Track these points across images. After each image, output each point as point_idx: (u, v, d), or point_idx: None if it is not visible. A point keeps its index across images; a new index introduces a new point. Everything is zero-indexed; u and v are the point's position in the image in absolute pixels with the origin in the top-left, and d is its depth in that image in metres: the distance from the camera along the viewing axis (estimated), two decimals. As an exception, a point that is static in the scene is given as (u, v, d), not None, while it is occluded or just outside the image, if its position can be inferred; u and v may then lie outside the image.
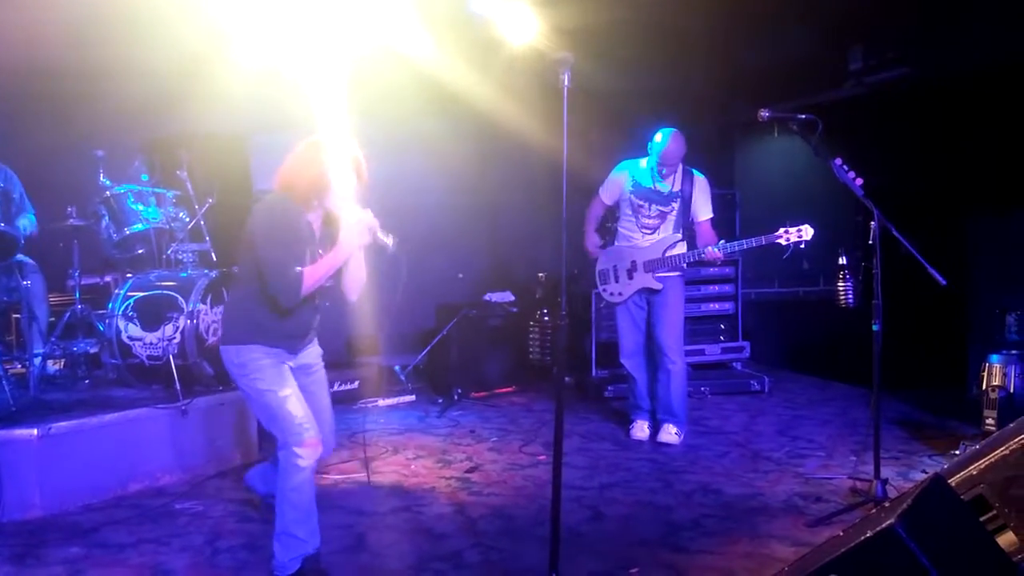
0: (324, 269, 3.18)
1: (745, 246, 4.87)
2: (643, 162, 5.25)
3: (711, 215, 5.22)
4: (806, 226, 4.73)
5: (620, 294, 5.28)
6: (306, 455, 3.17)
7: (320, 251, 3.28)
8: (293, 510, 3.21)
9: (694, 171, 5.22)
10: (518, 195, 7.91)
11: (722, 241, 4.95)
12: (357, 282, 3.43)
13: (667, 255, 5.12)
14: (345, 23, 6.10)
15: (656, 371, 5.28)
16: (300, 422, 3.18)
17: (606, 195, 5.35)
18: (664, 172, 5.13)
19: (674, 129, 5.11)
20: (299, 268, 3.11)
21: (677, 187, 5.17)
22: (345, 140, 3.31)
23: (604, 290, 5.37)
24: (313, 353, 3.49)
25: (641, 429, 5.38)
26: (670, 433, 5.20)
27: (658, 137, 5.10)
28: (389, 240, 3.34)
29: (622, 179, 5.26)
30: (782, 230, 4.74)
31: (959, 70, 6.03)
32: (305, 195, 3.21)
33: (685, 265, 5.17)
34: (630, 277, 5.22)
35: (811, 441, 5.25)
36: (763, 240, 4.80)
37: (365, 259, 3.43)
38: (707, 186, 5.25)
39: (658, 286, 5.15)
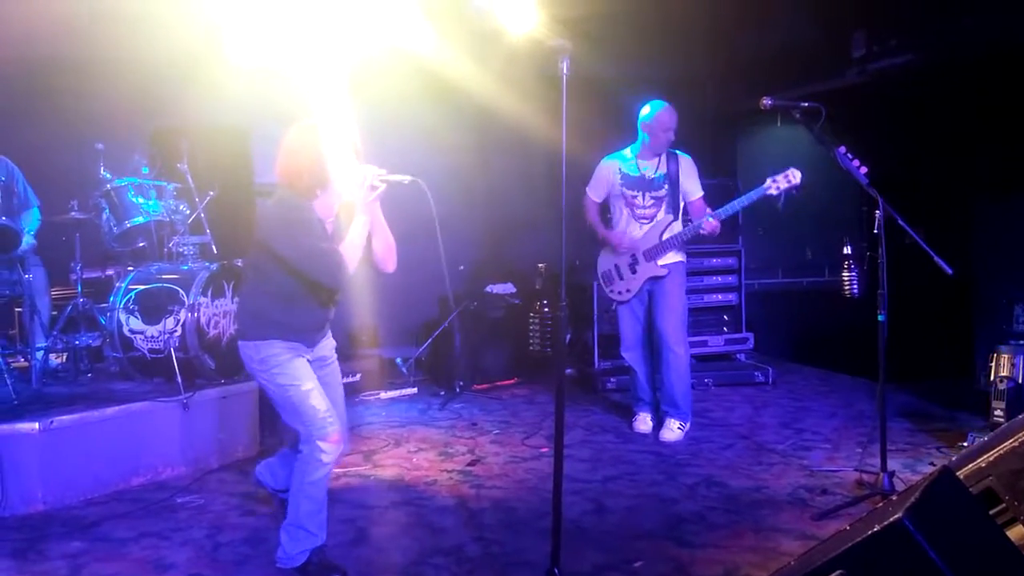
0: (356, 240, 3.14)
1: (737, 206, 4.80)
2: (627, 151, 5.18)
3: (702, 192, 5.14)
4: (792, 170, 4.67)
5: (628, 291, 5.18)
6: (330, 449, 3.18)
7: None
8: (309, 503, 3.22)
9: (677, 151, 5.15)
10: (518, 186, 7.87)
11: (709, 210, 4.91)
12: (389, 250, 3.41)
13: (664, 239, 5.05)
14: (346, 15, 6.06)
15: (658, 362, 5.21)
16: (324, 416, 3.17)
17: (595, 192, 5.25)
18: (653, 148, 5.04)
19: (664, 102, 5.04)
20: (333, 250, 3.07)
21: (663, 169, 5.09)
22: (335, 121, 3.28)
23: (611, 291, 5.26)
24: (328, 346, 3.49)
25: (644, 422, 5.33)
26: (672, 430, 5.13)
27: (646, 109, 5.03)
28: (403, 178, 3.28)
29: (609, 172, 5.17)
30: (769, 180, 4.70)
31: (963, 55, 5.97)
32: (308, 186, 3.17)
33: (683, 241, 5.06)
34: (633, 271, 5.14)
35: (816, 433, 5.22)
36: (753, 196, 4.74)
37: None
38: (692, 164, 5.17)
39: (663, 272, 5.07)
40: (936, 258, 3.91)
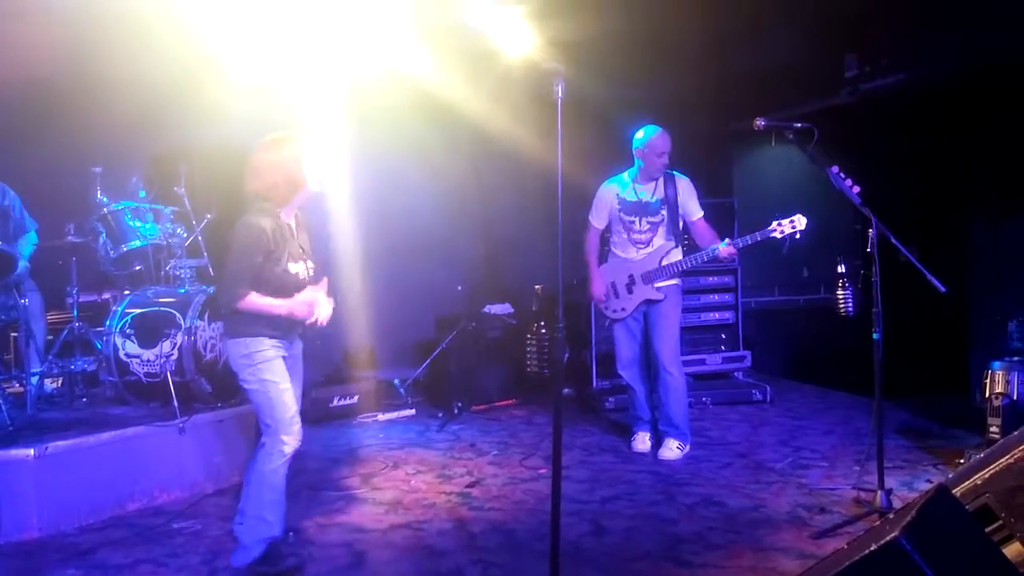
0: (267, 308, 3.41)
1: (750, 241, 4.84)
2: (625, 175, 5.23)
3: (702, 213, 5.18)
4: (798, 216, 4.72)
5: (623, 309, 5.21)
6: (291, 443, 3.46)
7: (301, 248, 3.57)
8: (270, 491, 3.46)
9: (675, 173, 5.18)
10: (515, 206, 7.90)
11: (727, 239, 4.92)
12: None
13: (663, 264, 5.09)
14: (342, 37, 6.11)
15: (655, 383, 5.24)
16: (292, 415, 3.48)
17: (598, 219, 5.29)
18: (648, 173, 5.09)
19: (658, 126, 5.09)
20: (246, 290, 3.35)
21: (661, 194, 5.14)
22: (303, 130, 3.59)
23: (605, 308, 5.30)
24: (298, 345, 3.72)
25: (643, 441, 5.33)
26: (671, 448, 5.14)
27: (639, 134, 5.08)
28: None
29: (609, 197, 5.23)
30: (775, 223, 4.74)
31: (955, 75, 6.02)
32: (285, 195, 3.47)
33: (689, 267, 5.11)
34: (630, 291, 5.17)
35: (814, 451, 5.21)
36: (758, 236, 4.79)
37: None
38: (691, 185, 5.21)
39: (659, 296, 5.10)
40: (929, 276, 3.93)
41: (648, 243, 5.15)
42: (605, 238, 5.42)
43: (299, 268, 3.53)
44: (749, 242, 4.84)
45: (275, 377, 3.44)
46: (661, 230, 5.15)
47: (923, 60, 6.17)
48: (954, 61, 5.91)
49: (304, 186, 3.48)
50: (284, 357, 3.53)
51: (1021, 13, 5.13)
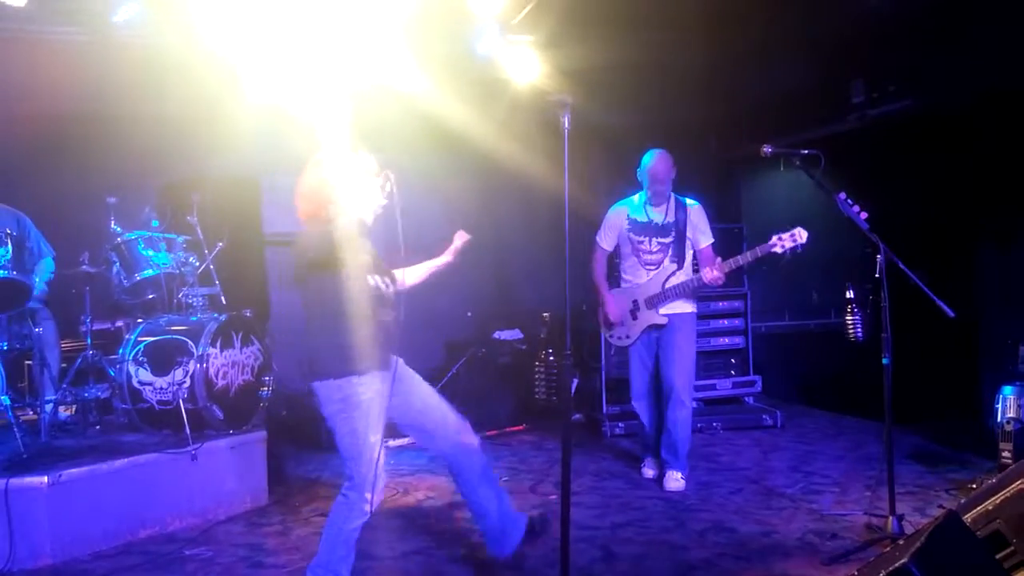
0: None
1: (741, 261, 4.73)
2: (635, 198, 5.18)
3: (711, 240, 5.11)
4: (799, 229, 4.61)
5: (628, 336, 5.15)
6: (373, 501, 3.29)
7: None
8: (344, 548, 3.32)
9: (685, 200, 5.13)
10: (523, 232, 7.94)
11: (718, 259, 4.84)
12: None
13: (666, 287, 5.00)
14: (352, 65, 6.19)
15: (664, 407, 5.13)
16: (374, 472, 3.24)
17: (606, 240, 5.23)
18: (655, 196, 5.03)
19: (660, 149, 5.04)
20: None
21: (671, 217, 5.07)
22: (350, 152, 3.55)
23: (611, 336, 5.25)
24: (400, 363, 3.51)
25: (652, 467, 5.32)
26: (677, 480, 5.05)
27: (644, 158, 5.04)
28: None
29: (618, 219, 5.17)
30: (774, 237, 4.64)
31: (961, 100, 6.04)
32: (330, 215, 3.30)
33: (687, 292, 4.98)
34: (634, 317, 5.10)
35: (825, 477, 5.19)
36: (758, 252, 4.68)
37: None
38: (702, 212, 5.14)
39: (663, 320, 5.01)
40: (937, 301, 3.94)
41: (658, 264, 5.07)
42: (613, 264, 5.36)
43: (379, 281, 3.46)
44: (741, 262, 4.73)
45: (366, 427, 3.25)
46: (671, 252, 5.07)
47: (930, 86, 6.19)
48: (961, 87, 5.93)
49: (341, 202, 3.36)
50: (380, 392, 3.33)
51: (1019, 41, 5.17)
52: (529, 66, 6.51)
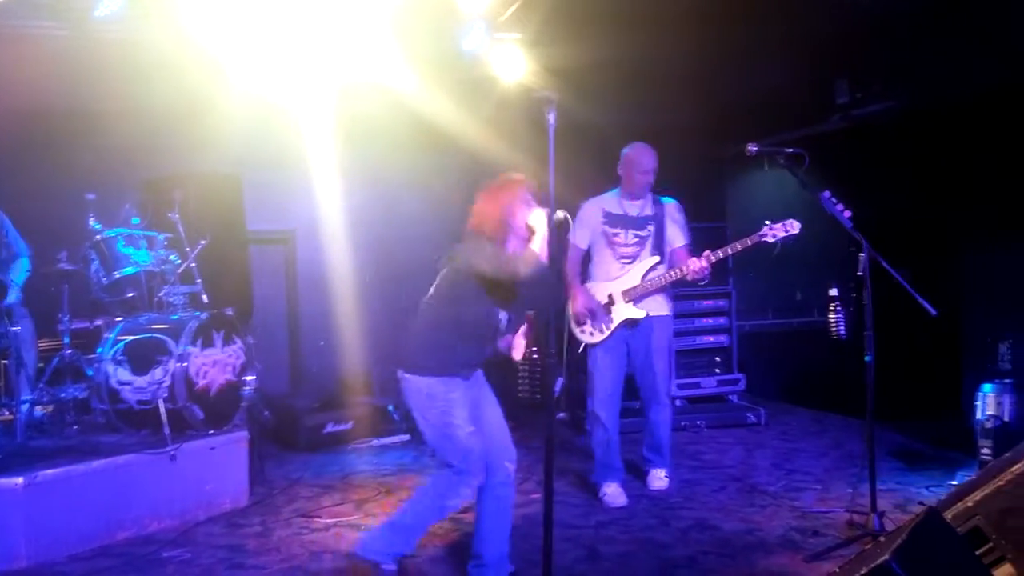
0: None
1: (731, 251, 4.60)
2: (609, 191, 4.98)
3: (685, 241, 4.91)
4: (792, 220, 4.51)
5: (600, 331, 4.83)
6: (473, 487, 3.39)
7: None
8: (432, 515, 3.47)
9: (663, 198, 4.96)
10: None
11: (706, 252, 4.63)
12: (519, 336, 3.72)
13: (647, 279, 4.78)
14: (338, 63, 6.16)
15: (647, 411, 4.98)
16: (479, 457, 3.38)
17: (581, 238, 4.92)
18: (637, 188, 4.83)
19: (643, 142, 4.89)
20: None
21: (649, 211, 4.89)
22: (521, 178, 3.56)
23: (581, 331, 4.86)
24: (481, 376, 3.70)
25: (619, 495, 4.80)
26: (662, 478, 4.99)
27: (624, 150, 4.89)
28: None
29: (592, 212, 4.91)
30: (765, 227, 4.52)
31: (944, 100, 6.07)
32: (493, 232, 3.45)
33: (667, 285, 4.79)
34: (608, 311, 4.81)
35: (808, 474, 5.20)
36: (748, 241, 4.55)
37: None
38: (679, 210, 4.97)
39: (640, 315, 4.76)
40: (920, 299, 3.96)
41: (634, 258, 4.85)
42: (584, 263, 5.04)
43: (503, 316, 3.58)
44: (730, 251, 4.59)
45: (460, 419, 3.38)
46: (648, 245, 4.87)
47: (913, 87, 6.23)
48: (944, 87, 5.97)
49: (508, 233, 3.47)
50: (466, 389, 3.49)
51: (1009, 41, 5.20)
52: (516, 64, 6.49)
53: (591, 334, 4.86)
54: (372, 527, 3.48)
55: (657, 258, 4.87)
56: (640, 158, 4.83)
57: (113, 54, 5.77)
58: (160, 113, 6.13)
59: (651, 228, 4.90)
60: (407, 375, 3.44)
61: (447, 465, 3.40)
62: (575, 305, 4.85)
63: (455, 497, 3.39)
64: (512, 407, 7.06)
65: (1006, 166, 5.67)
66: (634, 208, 4.92)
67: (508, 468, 3.55)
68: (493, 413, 3.64)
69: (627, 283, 4.83)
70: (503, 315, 3.54)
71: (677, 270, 4.73)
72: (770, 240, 4.54)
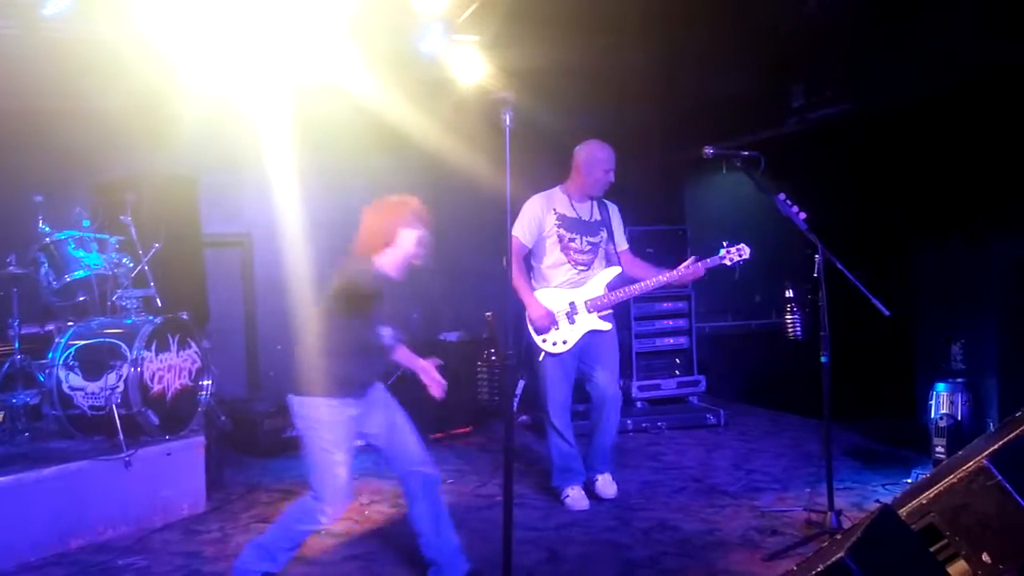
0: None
1: (711, 264, 4.58)
2: (558, 190, 4.82)
3: (627, 244, 4.91)
4: (743, 245, 4.55)
5: (564, 342, 4.66)
6: (331, 515, 3.41)
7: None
8: (288, 541, 3.46)
9: (604, 200, 4.86)
10: (467, 232, 7.89)
11: (693, 257, 4.60)
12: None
13: (612, 291, 4.70)
14: (294, 64, 6.10)
15: (600, 411, 4.77)
16: (341, 488, 3.40)
17: (526, 234, 4.73)
18: (592, 189, 4.72)
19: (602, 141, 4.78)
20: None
21: (598, 215, 4.79)
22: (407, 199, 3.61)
23: (544, 341, 4.67)
24: (379, 387, 3.67)
25: (583, 499, 4.75)
26: (612, 483, 4.86)
27: (584, 147, 4.74)
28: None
29: (542, 210, 4.73)
30: (723, 250, 4.55)
31: (897, 104, 6.18)
32: (373, 249, 3.47)
33: (640, 293, 4.74)
34: (571, 321, 4.67)
35: (766, 474, 5.26)
36: (710, 262, 4.56)
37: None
38: (619, 213, 4.90)
39: (606, 326, 4.71)
40: (873, 300, 4.02)
41: (589, 265, 4.74)
42: (535, 264, 4.88)
43: (386, 333, 3.53)
44: (711, 265, 4.58)
45: (330, 445, 3.37)
46: (601, 252, 4.80)
47: (867, 90, 6.33)
48: (897, 91, 6.07)
49: (390, 244, 3.48)
50: (358, 413, 3.47)
51: (954, 47, 5.32)
52: (474, 66, 6.49)
53: (554, 343, 4.70)
54: (245, 549, 3.49)
55: (618, 269, 4.79)
56: (605, 155, 4.70)
57: (63, 53, 5.65)
58: (112, 113, 6.02)
59: (603, 234, 4.81)
60: (295, 397, 3.43)
61: (310, 488, 3.41)
62: (532, 316, 4.67)
63: (310, 523, 3.42)
64: (472, 411, 7.10)
65: (959, 167, 5.79)
66: (585, 212, 4.80)
67: (425, 472, 3.60)
68: (401, 424, 3.65)
69: (590, 292, 4.72)
70: (387, 330, 3.51)
71: (666, 275, 4.63)
72: (728, 264, 4.59)
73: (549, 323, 4.66)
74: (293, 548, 3.48)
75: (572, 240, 4.74)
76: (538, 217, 4.74)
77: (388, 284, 3.43)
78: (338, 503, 3.41)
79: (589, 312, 4.70)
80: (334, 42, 5.99)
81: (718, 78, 6.92)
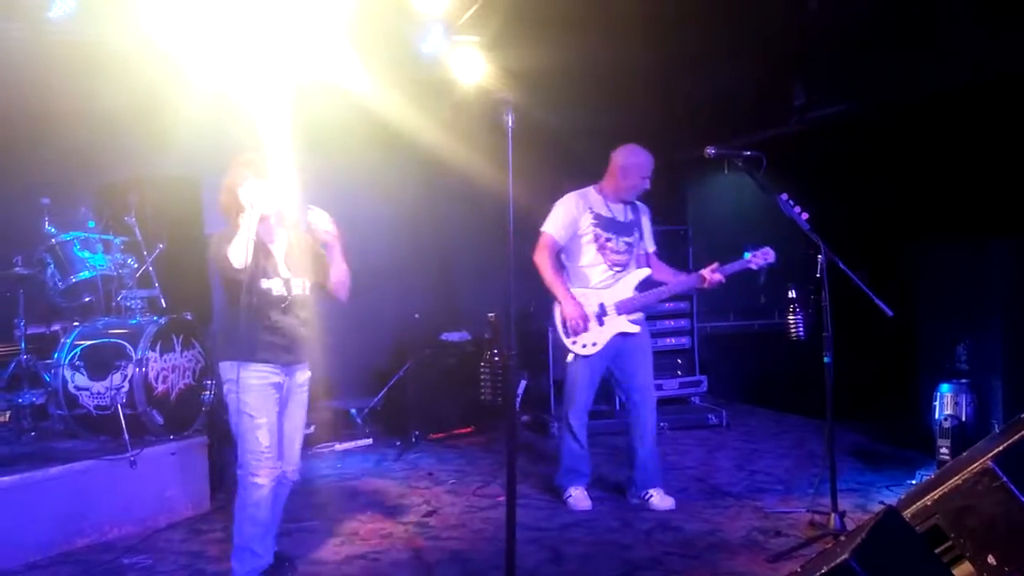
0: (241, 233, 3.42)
1: (729, 271, 4.59)
2: (593, 190, 4.78)
3: (655, 247, 4.93)
4: (767, 249, 4.58)
5: (595, 344, 4.61)
6: (263, 478, 3.47)
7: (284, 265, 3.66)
8: (252, 526, 3.49)
9: (636, 202, 4.88)
10: (469, 232, 7.92)
11: (715, 264, 4.61)
12: (340, 282, 3.76)
13: (641, 293, 4.67)
14: (295, 64, 6.10)
15: (640, 420, 4.72)
16: (263, 452, 3.46)
17: (560, 231, 4.67)
18: (627, 193, 4.71)
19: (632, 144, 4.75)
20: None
21: (631, 216, 4.79)
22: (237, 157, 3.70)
23: (574, 343, 4.61)
24: (304, 376, 3.77)
25: (585, 499, 4.74)
26: (665, 496, 4.70)
27: (625, 151, 4.71)
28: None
29: (580, 208, 4.68)
30: (749, 254, 4.56)
31: (899, 103, 6.19)
32: (231, 212, 3.57)
33: (665, 296, 4.77)
34: (600, 323, 4.62)
35: (769, 475, 5.26)
36: (736, 266, 4.58)
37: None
38: (649, 215, 4.94)
39: (635, 329, 4.64)
40: (876, 300, 4.03)
41: (625, 266, 4.71)
42: (569, 263, 4.80)
43: (273, 284, 3.55)
44: (736, 269, 4.60)
45: (251, 408, 3.45)
46: (634, 252, 4.77)
47: (868, 90, 6.33)
48: (899, 90, 6.07)
49: (238, 201, 3.54)
50: (282, 386, 3.57)
51: (956, 46, 5.32)
52: (474, 67, 6.49)
53: (584, 346, 4.63)
54: (232, 565, 3.58)
55: (648, 271, 4.76)
56: (644, 161, 4.70)
57: (68, 55, 5.66)
58: (116, 115, 6.03)
59: (636, 235, 4.81)
60: (220, 362, 3.57)
61: (239, 465, 3.51)
62: (567, 313, 4.59)
63: (251, 498, 3.47)
64: (474, 411, 7.11)
65: (962, 166, 5.79)
66: (620, 212, 4.78)
67: (286, 471, 3.66)
68: (297, 417, 3.72)
69: (619, 294, 4.66)
70: (276, 283, 3.56)
71: (694, 278, 4.65)
72: (754, 267, 4.60)
73: (584, 322, 4.59)
74: (267, 531, 3.55)
75: (609, 240, 4.71)
76: (574, 215, 4.69)
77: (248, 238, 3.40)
78: (262, 468, 3.46)
79: (619, 314, 4.66)
80: (336, 44, 5.99)
81: (719, 78, 6.91)
